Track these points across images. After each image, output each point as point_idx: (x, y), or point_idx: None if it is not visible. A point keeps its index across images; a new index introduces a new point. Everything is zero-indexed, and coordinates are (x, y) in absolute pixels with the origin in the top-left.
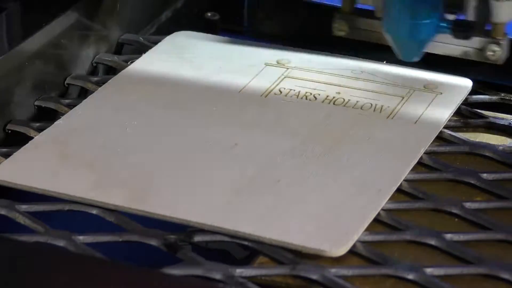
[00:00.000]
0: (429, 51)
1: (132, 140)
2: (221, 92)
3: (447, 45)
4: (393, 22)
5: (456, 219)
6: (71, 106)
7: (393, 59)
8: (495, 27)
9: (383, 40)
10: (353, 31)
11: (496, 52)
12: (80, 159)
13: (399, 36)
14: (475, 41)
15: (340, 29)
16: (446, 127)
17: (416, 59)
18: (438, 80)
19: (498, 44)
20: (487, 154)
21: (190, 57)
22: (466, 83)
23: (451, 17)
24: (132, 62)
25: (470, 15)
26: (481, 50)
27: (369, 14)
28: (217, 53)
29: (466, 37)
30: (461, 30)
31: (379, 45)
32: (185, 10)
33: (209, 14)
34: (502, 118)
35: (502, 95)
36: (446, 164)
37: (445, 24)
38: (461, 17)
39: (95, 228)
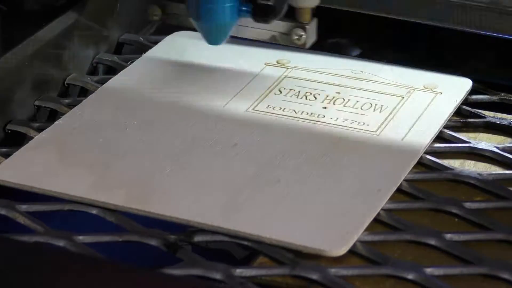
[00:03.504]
0: (238, 36)
1: (132, 140)
2: (221, 92)
3: (254, 29)
4: (195, 6)
5: (456, 219)
6: (71, 106)
7: (393, 59)
8: (300, 11)
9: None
10: (167, 16)
11: (301, 37)
12: (80, 159)
13: (201, 21)
14: (281, 25)
15: (154, 14)
16: (446, 126)
17: (222, 43)
18: (438, 80)
19: (303, 28)
20: (487, 154)
21: (190, 57)
22: (466, 83)
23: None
24: (132, 62)
25: None
26: (287, 34)
27: None
28: (217, 53)
29: (266, 21)
30: (261, 14)
31: (379, 45)
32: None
33: None
34: (502, 118)
35: (502, 95)
36: (446, 164)
37: (245, 8)
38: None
39: (95, 228)
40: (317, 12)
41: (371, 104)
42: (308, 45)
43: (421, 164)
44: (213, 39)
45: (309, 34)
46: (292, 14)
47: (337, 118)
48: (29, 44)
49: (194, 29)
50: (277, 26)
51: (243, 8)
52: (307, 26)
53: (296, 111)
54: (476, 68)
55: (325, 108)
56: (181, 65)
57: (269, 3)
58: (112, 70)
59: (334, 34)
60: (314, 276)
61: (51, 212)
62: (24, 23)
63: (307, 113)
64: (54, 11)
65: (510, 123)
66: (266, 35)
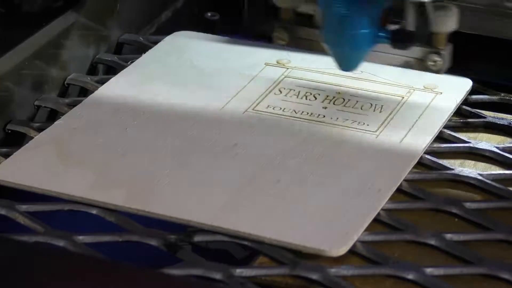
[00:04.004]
0: (370, 61)
1: (132, 140)
2: (221, 92)
3: (388, 54)
4: (331, 32)
5: (456, 219)
6: (71, 106)
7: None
8: (435, 37)
9: (324, 49)
10: (294, 40)
11: (437, 62)
12: (80, 159)
13: (337, 47)
14: (416, 51)
15: (280, 38)
16: (446, 126)
17: (355, 69)
18: (438, 80)
19: (438, 54)
20: (487, 154)
21: (190, 57)
22: (466, 83)
23: (391, 27)
24: (132, 62)
25: (409, 25)
26: (422, 60)
27: (309, 23)
28: (217, 53)
29: (404, 47)
30: (400, 40)
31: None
32: (185, 10)
33: (209, 14)
34: (502, 118)
35: (502, 95)
36: (446, 164)
37: (383, 34)
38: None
39: (95, 228)
40: None
41: (371, 104)
42: (442, 72)
43: (421, 164)
44: (347, 65)
45: (445, 60)
46: (427, 40)
47: (337, 118)
48: (29, 44)
49: (194, 30)
50: (412, 51)
51: (381, 34)
52: (442, 52)
53: (296, 111)
54: (476, 68)
55: (325, 108)
56: (181, 65)
57: (410, 29)
58: (112, 70)
59: None
60: (314, 276)
61: (51, 212)
62: (21, 25)
63: (307, 113)
64: (51, 13)
65: (510, 123)
66: (400, 60)
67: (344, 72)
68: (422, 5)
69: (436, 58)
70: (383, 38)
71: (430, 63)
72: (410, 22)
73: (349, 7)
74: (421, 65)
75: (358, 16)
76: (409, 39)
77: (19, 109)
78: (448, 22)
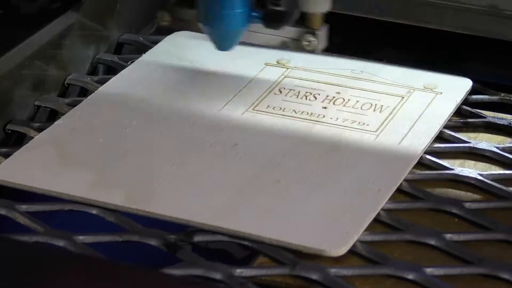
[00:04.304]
0: (248, 41)
1: (132, 140)
2: (221, 92)
3: (265, 35)
4: (206, 12)
5: (456, 219)
6: (71, 106)
7: (393, 59)
8: (311, 17)
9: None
10: (177, 22)
11: (311, 42)
12: (80, 159)
13: (212, 27)
14: (292, 31)
15: (163, 19)
16: (446, 126)
17: (231, 49)
18: (438, 80)
19: (313, 34)
20: (487, 154)
21: (190, 57)
22: (466, 83)
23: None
24: (132, 62)
25: (283, 4)
26: (298, 40)
27: (191, 4)
28: (217, 53)
29: (277, 27)
30: (272, 20)
31: (379, 44)
32: None
33: None
34: (502, 118)
35: (502, 95)
36: (446, 164)
37: (256, 14)
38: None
39: (95, 228)
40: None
41: (371, 104)
42: (318, 51)
43: (421, 164)
44: (223, 45)
45: (320, 40)
46: (303, 20)
47: (337, 118)
48: (29, 44)
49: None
50: (288, 32)
51: (254, 14)
52: (317, 32)
53: (296, 111)
54: (476, 68)
55: (325, 108)
56: (181, 65)
57: (280, 9)
58: (112, 70)
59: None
60: (314, 276)
61: (51, 212)
62: (19, 26)
63: (307, 113)
64: (49, 15)
65: (510, 123)
66: (276, 41)
67: (344, 72)
68: None
69: (311, 38)
70: (256, 18)
71: (305, 43)
72: (282, 2)
73: None
74: (296, 45)
75: None
76: (281, 19)
77: (19, 109)
78: (322, 3)
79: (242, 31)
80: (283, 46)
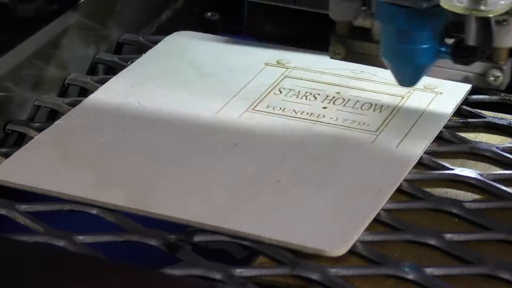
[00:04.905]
0: (429, 76)
1: (132, 140)
2: (221, 91)
3: (447, 70)
4: (391, 47)
5: (456, 219)
6: (71, 106)
7: None
8: (497, 52)
9: (382, 64)
10: (350, 55)
11: (498, 78)
12: (80, 159)
13: (397, 62)
14: (477, 66)
15: (336, 52)
16: (446, 127)
17: (415, 84)
18: (438, 80)
19: (500, 69)
20: (487, 154)
21: (190, 57)
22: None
23: (451, 41)
24: (132, 62)
25: (471, 39)
26: (483, 75)
27: (366, 37)
28: (217, 53)
29: (466, 62)
30: (462, 55)
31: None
32: (185, 10)
33: (209, 14)
34: (502, 118)
35: (502, 95)
36: (446, 164)
37: (444, 49)
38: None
39: (95, 228)
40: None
41: (371, 104)
42: (503, 86)
43: (421, 164)
44: (407, 80)
45: (506, 75)
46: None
47: (337, 118)
48: (29, 44)
49: (194, 30)
50: (473, 66)
51: (442, 49)
52: (504, 67)
53: (296, 111)
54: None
55: (325, 108)
56: (181, 65)
57: (472, 44)
58: (112, 70)
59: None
60: (314, 276)
61: (51, 212)
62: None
63: (307, 113)
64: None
65: (510, 123)
66: (459, 76)
67: (344, 72)
68: (486, 20)
69: (498, 73)
70: (444, 53)
71: (491, 78)
72: (472, 37)
73: (409, 22)
74: (482, 80)
75: (418, 31)
76: (472, 55)
77: (19, 109)
78: (509, 37)
79: (429, 66)
80: (467, 81)
